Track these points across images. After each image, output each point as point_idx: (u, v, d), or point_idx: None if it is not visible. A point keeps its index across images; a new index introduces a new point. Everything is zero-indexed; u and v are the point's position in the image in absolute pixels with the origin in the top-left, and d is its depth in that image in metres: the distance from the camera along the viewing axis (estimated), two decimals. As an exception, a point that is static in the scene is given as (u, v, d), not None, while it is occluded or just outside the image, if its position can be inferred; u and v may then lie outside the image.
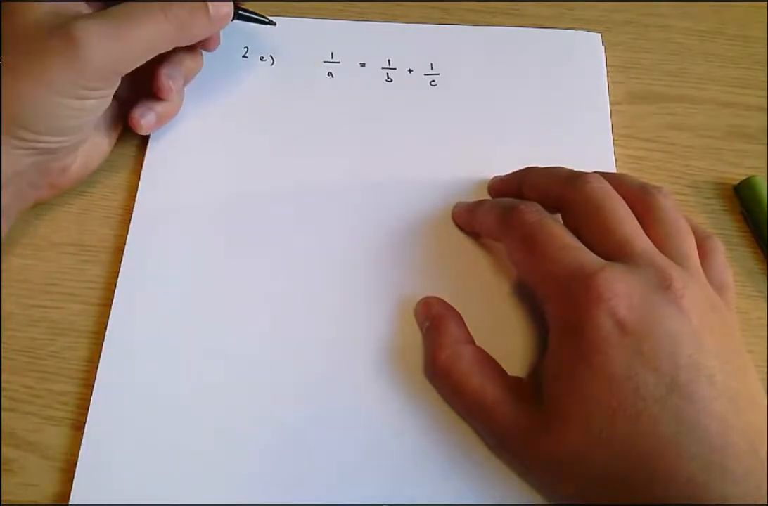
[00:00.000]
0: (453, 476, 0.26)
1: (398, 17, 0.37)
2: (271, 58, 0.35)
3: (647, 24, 0.38)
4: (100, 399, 0.27)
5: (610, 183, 0.26)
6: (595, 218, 0.25)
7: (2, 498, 0.25)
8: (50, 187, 0.29)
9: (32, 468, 0.26)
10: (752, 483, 0.21)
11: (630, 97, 0.35)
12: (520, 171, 0.30)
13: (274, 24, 0.33)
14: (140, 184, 0.31)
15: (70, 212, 0.31)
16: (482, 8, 0.37)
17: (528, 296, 0.29)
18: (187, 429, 0.26)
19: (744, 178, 0.32)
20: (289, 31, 0.35)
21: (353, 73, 0.35)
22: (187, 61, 0.31)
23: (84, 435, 0.26)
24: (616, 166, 0.33)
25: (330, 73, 0.35)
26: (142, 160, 0.32)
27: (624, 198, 0.26)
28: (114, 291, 0.29)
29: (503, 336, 0.28)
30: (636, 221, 0.25)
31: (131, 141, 0.33)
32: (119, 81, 0.27)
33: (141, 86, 0.30)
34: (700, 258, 0.25)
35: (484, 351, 0.27)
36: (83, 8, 0.27)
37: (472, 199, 0.31)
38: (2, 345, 0.28)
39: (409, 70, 0.35)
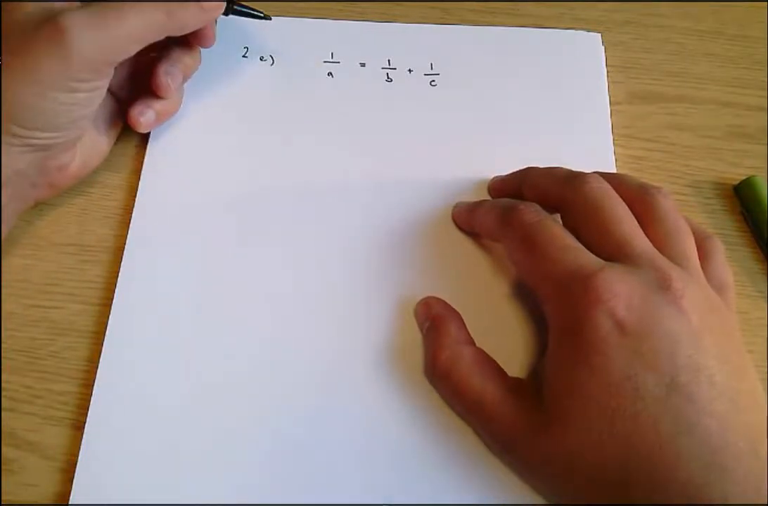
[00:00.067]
0: (453, 476, 0.26)
1: (398, 17, 0.37)
2: (271, 58, 0.35)
3: (647, 24, 0.38)
4: (100, 399, 0.27)
5: (610, 183, 0.26)
6: (594, 218, 0.25)
7: (2, 498, 0.25)
8: (50, 187, 0.29)
9: (32, 468, 0.26)
10: (752, 484, 0.21)
11: (630, 97, 0.35)
12: (520, 171, 0.30)
13: (270, 18, 0.32)
14: (140, 184, 0.31)
15: (70, 212, 0.31)
16: (482, 8, 0.37)
17: (528, 296, 0.29)
18: (187, 429, 0.26)
19: (744, 178, 0.32)
20: (289, 31, 0.35)
21: (353, 73, 0.35)
22: (186, 59, 0.31)
23: (84, 435, 0.26)
24: (616, 166, 0.33)
25: (330, 73, 0.35)
26: (142, 160, 0.32)
27: (623, 198, 0.26)
28: (114, 291, 0.29)
29: (503, 336, 0.28)
30: (635, 221, 0.25)
31: (131, 141, 0.33)
32: (111, 73, 0.27)
33: (140, 85, 0.30)
34: (700, 258, 0.25)
35: (484, 352, 0.27)
36: (74, 5, 0.26)
37: (472, 199, 0.31)
38: (2, 345, 0.28)
39: (409, 70, 0.35)
